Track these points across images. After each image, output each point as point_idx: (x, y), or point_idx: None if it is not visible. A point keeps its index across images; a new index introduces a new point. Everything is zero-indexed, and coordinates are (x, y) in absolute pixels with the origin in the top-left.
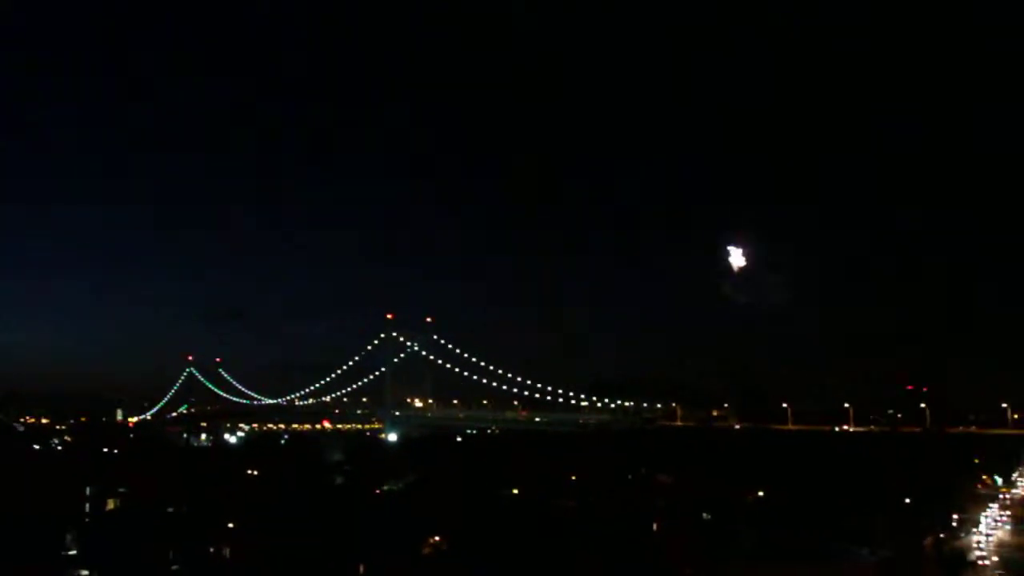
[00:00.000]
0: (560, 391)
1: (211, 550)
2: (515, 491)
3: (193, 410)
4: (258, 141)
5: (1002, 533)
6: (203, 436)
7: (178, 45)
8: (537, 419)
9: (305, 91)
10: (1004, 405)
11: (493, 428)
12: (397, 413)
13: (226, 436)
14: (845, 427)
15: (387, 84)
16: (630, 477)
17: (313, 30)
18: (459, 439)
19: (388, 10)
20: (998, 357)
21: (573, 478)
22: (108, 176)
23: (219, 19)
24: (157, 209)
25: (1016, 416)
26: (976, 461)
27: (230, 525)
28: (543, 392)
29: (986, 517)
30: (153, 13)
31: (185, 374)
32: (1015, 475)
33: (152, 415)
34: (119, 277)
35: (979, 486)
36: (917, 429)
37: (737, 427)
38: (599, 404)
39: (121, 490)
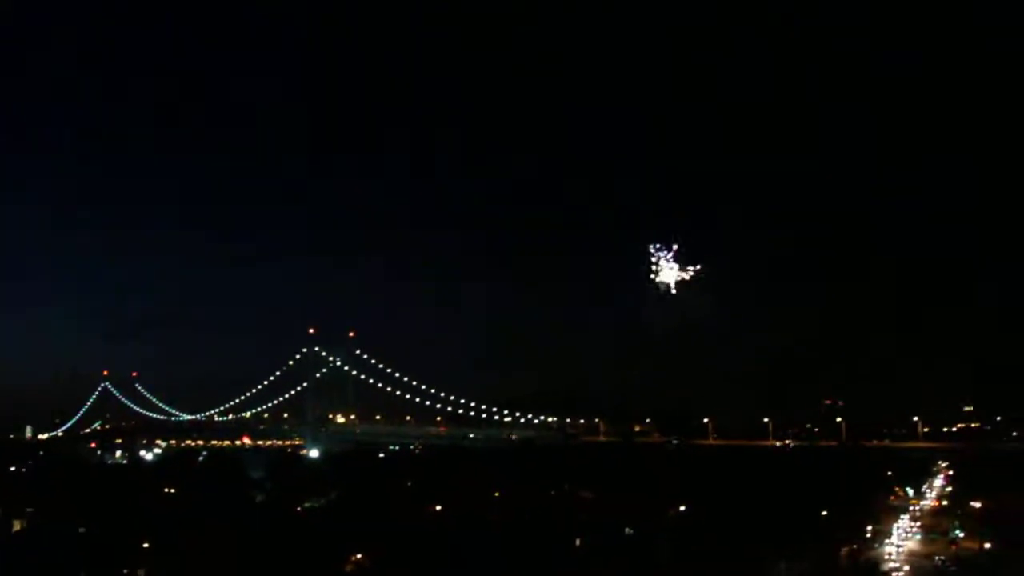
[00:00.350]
0: (484, 407)
1: (125, 572)
2: (438, 507)
3: (108, 426)
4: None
5: (913, 543)
6: (118, 453)
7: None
8: (472, 435)
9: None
10: (915, 419)
11: (416, 444)
12: (323, 429)
13: (142, 453)
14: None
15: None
16: (553, 493)
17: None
18: (382, 455)
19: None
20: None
21: (497, 494)
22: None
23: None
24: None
25: (926, 430)
26: (889, 474)
27: (145, 545)
28: (467, 408)
29: (898, 528)
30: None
31: (99, 389)
32: (925, 487)
33: (64, 431)
34: (30, 290)
35: (891, 498)
36: (833, 443)
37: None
38: (523, 420)
39: (29, 510)
